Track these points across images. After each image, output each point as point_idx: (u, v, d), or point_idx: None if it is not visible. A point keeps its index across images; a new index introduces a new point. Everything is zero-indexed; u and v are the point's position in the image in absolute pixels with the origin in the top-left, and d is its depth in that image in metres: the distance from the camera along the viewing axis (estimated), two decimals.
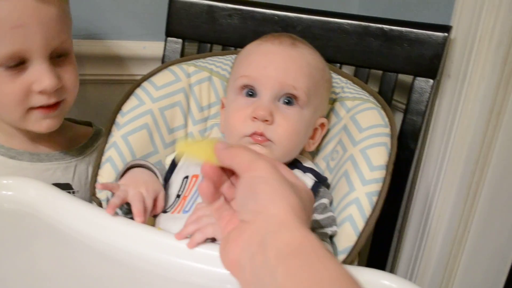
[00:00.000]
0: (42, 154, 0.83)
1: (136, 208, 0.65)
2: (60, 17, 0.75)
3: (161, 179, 0.74)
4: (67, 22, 0.78)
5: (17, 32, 0.70)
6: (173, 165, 0.80)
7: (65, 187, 0.85)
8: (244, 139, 0.73)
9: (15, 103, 0.73)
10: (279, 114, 0.73)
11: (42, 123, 0.77)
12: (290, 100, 0.73)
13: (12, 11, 0.69)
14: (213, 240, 0.61)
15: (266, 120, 0.71)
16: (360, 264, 0.74)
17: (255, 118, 0.72)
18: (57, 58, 0.76)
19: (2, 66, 0.71)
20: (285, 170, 0.51)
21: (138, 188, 0.68)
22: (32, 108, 0.75)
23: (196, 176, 0.76)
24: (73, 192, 0.86)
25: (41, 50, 0.72)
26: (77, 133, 0.91)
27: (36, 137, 0.82)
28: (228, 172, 0.54)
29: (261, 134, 0.72)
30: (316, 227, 0.70)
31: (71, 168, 0.86)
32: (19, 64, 0.72)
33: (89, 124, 0.95)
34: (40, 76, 0.73)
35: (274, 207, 0.45)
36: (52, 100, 0.75)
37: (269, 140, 0.72)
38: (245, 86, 0.74)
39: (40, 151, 0.84)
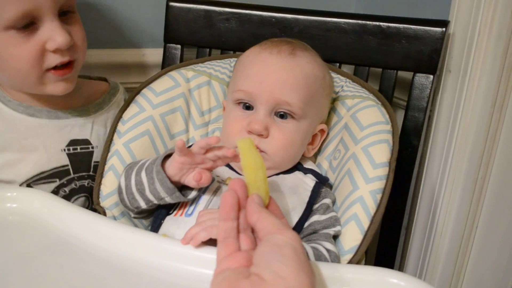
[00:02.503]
0: (60, 111, 0.83)
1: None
2: None
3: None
4: None
5: None
6: None
7: (84, 142, 0.85)
8: (237, 148, 0.74)
9: (31, 65, 0.73)
10: (274, 127, 0.74)
11: (58, 86, 0.77)
12: (285, 114, 0.74)
13: None
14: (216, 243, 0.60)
15: (261, 134, 0.73)
16: (368, 263, 0.73)
17: (250, 132, 0.73)
18: (64, 16, 0.75)
19: (14, 28, 0.70)
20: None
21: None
22: (47, 71, 0.75)
23: None
24: (92, 147, 0.86)
25: (50, 7, 0.71)
26: (94, 89, 0.91)
27: (53, 95, 0.81)
28: None
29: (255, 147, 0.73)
30: (318, 228, 0.69)
31: (89, 124, 0.86)
32: (30, 24, 0.71)
33: (104, 79, 0.95)
34: (52, 33, 0.72)
35: (297, 279, 0.45)
36: (66, 58, 0.75)
37: (263, 151, 0.74)
38: (241, 100, 0.75)
39: (58, 109, 0.83)
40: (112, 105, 0.90)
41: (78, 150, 0.84)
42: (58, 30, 0.72)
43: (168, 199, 0.69)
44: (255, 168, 0.56)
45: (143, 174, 0.70)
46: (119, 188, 0.74)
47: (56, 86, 0.77)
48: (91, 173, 0.86)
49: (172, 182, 0.68)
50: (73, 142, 0.84)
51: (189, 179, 0.68)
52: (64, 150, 0.83)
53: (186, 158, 0.66)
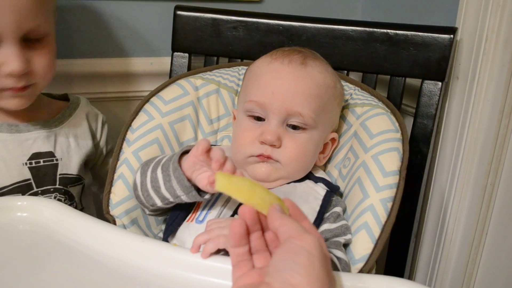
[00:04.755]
0: (21, 125, 0.84)
1: (216, 155, 0.63)
2: (35, 1, 0.74)
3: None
4: (45, 6, 0.78)
5: None
6: None
7: (48, 155, 0.85)
8: (250, 158, 0.75)
9: None
10: (287, 137, 0.74)
11: (12, 101, 0.78)
12: (297, 125, 0.74)
13: None
14: (226, 252, 0.61)
15: (274, 145, 0.73)
16: (377, 271, 0.73)
17: (262, 142, 0.73)
18: (30, 41, 0.76)
19: None
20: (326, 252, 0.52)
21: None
22: (2, 89, 0.76)
23: None
24: (56, 160, 0.86)
25: (11, 33, 0.72)
26: (54, 105, 0.91)
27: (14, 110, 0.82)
28: (261, 224, 0.54)
29: (268, 157, 0.74)
30: (329, 237, 0.69)
31: (52, 137, 0.86)
32: None
33: (65, 97, 0.95)
34: (8, 58, 0.73)
35: (309, 287, 0.45)
36: (20, 84, 0.76)
37: (276, 161, 0.74)
38: (253, 111, 0.75)
39: (19, 122, 0.84)
40: (73, 119, 0.90)
41: (41, 163, 0.84)
42: (14, 57, 0.73)
43: (184, 198, 0.68)
44: (250, 192, 0.54)
45: (159, 171, 0.70)
46: (134, 184, 0.73)
47: (9, 102, 0.78)
48: (57, 186, 0.86)
49: (189, 180, 0.67)
50: (35, 155, 0.84)
51: (200, 178, 0.66)
52: (26, 164, 0.83)
53: (204, 158, 0.65)
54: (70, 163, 0.88)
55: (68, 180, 0.88)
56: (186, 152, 0.69)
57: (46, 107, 0.89)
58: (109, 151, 0.99)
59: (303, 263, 0.46)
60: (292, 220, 0.51)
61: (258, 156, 0.74)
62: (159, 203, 0.70)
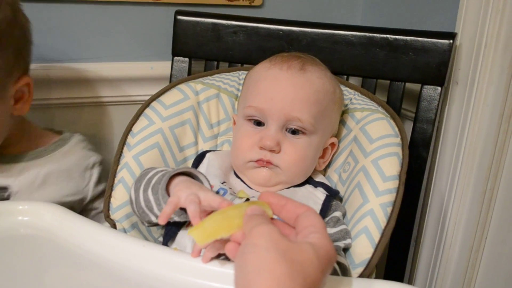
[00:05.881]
0: None
1: (191, 211, 0.61)
2: None
3: (207, 184, 0.71)
4: None
5: None
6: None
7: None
8: (249, 163, 0.75)
9: None
10: (286, 142, 0.74)
11: None
12: (296, 130, 0.74)
13: None
14: (226, 257, 0.61)
15: (273, 150, 0.73)
16: (377, 276, 0.73)
17: (262, 147, 0.73)
18: None
19: None
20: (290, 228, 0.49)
21: (191, 190, 0.65)
22: None
23: (211, 187, 0.75)
24: (8, 195, 0.84)
25: None
26: (40, 139, 0.90)
27: None
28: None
29: (268, 162, 0.74)
30: None
31: (14, 171, 0.84)
32: None
33: (59, 132, 0.94)
34: None
35: (258, 282, 0.41)
36: None
37: (276, 166, 0.74)
38: (252, 117, 0.76)
39: None
40: (56, 155, 0.88)
41: None
42: None
43: (177, 219, 0.68)
44: (226, 221, 0.52)
45: (149, 193, 0.69)
46: (130, 199, 0.74)
47: None
48: None
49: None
50: None
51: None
52: None
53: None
54: (27, 195, 0.85)
55: None
56: (176, 174, 0.69)
57: (25, 139, 0.88)
58: (98, 195, 0.95)
59: (250, 260, 0.43)
60: (252, 219, 0.49)
61: (257, 161, 0.75)
62: (154, 220, 0.70)
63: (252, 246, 0.44)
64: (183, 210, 0.66)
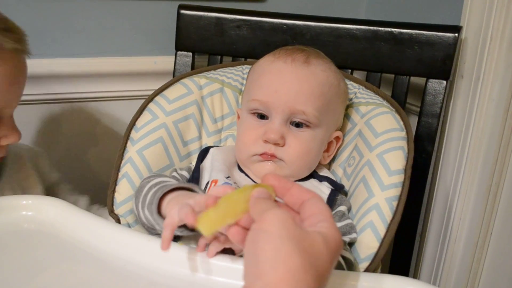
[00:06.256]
0: None
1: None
2: None
3: (198, 190, 0.70)
4: None
5: None
6: (197, 172, 0.78)
7: None
8: (254, 157, 0.75)
9: None
10: (290, 136, 0.74)
11: None
12: (300, 123, 0.74)
13: None
14: (232, 251, 0.60)
15: (277, 143, 0.73)
16: (382, 270, 0.73)
17: (266, 141, 0.73)
18: None
19: None
20: (297, 218, 0.47)
21: (181, 203, 0.61)
22: None
23: (215, 181, 0.75)
24: None
25: None
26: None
27: None
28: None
29: (272, 155, 0.74)
30: None
31: None
32: None
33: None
34: None
35: (271, 273, 0.40)
36: None
37: (280, 159, 0.74)
38: (256, 110, 0.75)
39: None
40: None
41: None
42: None
43: (181, 234, 0.65)
44: (231, 207, 0.51)
45: (147, 213, 0.68)
46: (133, 209, 0.74)
47: None
48: None
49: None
50: None
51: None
52: None
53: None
54: None
55: None
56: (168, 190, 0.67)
57: None
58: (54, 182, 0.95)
59: (262, 249, 0.42)
60: (260, 203, 0.48)
61: (261, 155, 0.74)
62: (159, 230, 0.68)
63: (265, 233, 0.43)
64: (184, 225, 0.64)
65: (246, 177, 0.78)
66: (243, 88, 0.89)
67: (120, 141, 0.82)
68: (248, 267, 0.43)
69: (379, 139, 0.76)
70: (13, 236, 0.65)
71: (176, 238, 0.71)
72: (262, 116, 0.76)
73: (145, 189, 0.71)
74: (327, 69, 0.77)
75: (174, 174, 0.79)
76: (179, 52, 1.02)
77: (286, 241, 0.42)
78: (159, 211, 0.66)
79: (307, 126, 0.74)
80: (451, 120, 0.95)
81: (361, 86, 0.87)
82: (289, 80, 0.74)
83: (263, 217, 0.44)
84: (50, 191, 0.95)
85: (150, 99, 0.85)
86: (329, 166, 0.85)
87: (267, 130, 0.73)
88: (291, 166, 0.74)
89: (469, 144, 0.91)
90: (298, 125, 0.74)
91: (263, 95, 0.74)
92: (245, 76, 0.90)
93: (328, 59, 0.80)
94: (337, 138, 0.81)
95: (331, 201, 0.74)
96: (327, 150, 0.80)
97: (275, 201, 0.51)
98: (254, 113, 0.76)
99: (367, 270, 0.66)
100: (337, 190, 0.77)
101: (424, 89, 0.91)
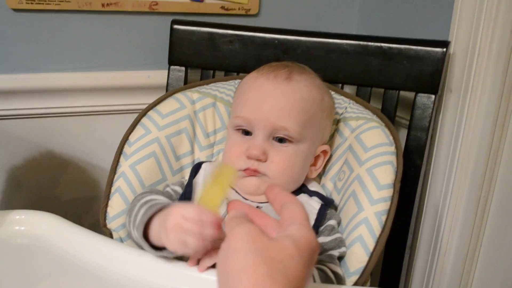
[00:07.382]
0: None
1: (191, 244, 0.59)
2: None
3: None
4: None
5: None
6: (190, 187, 0.79)
7: None
8: (238, 172, 0.75)
9: None
10: (273, 151, 0.75)
11: None
12: (283, 139, 0.75)
13: None
14: None
15: (260, 159, 0.74)
16: (372, 284, 0.73)
17: (249, 156, 0.74)
18: None
19: None
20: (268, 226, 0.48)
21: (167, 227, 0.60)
22: None
23: None
24: None
25: None
26: None
27: None
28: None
29: (255, 170, 0.74)
30: (323, 250, 0.70)
31: None
32: None
33: None
34: None
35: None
36: None
37: (264, 174, 0.75)
38: (240, 126, 0.77)
39: None
40: None
41: None
42: None
43: (168, 255, 0.64)
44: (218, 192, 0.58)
45: (136, 233, 0.67)
46: (126, 226, 0.74)
47: None
48: None
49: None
50: None
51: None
52: None
53: None
54: None
55: None
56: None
57: None
58: None
59: (231, 265, 0.42)
60: (231, 221, 0.48)
61: (245, 170, 0.75)
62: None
63: (231, 250, 0.44)
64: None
65: (236, 193, 0.78)
66: None
67: (113, 155, 0.83)
68: (220, 285, 0.44)
69: (368, 154, 0.77)
70: (6, 251, 0.66)
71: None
72: (246, 132, 0.77)
73: (136, 208, 0.70)
74: (310, 84, 0.78)
75: (168, 189, 0.79)
76: (172, 67, 1.03)
77: (250, 254, 0.42)
78: (147, 232, 0.66)
79: (290, 141, 0.75)
80: (440, 133, 0.96)
81: (351, 101, 0.88)
82: (271, 97, 0.75)
83: (229, 235, 0.45)
84: None
85: (143, 113, 0.86)
86: (319, 179, 0.86)
87: (250, 146, 0.74)
88: (274, 180, 0.75)
89: (458, 157, 0.93)
90: (281, 140, 0.75)
91: (246, 112, 0.75)
92: None
93: (313, 74, 0.81)
94: (325, 152, 0.82)
95: (321, 216, 0.74)
96: (314, 164, 0.81)
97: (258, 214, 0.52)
98: (238, 130, 0.77)
99: (356, 283, 0.67)
100: (327, 204, 0.77)
101: (413, 104, 0.92)
